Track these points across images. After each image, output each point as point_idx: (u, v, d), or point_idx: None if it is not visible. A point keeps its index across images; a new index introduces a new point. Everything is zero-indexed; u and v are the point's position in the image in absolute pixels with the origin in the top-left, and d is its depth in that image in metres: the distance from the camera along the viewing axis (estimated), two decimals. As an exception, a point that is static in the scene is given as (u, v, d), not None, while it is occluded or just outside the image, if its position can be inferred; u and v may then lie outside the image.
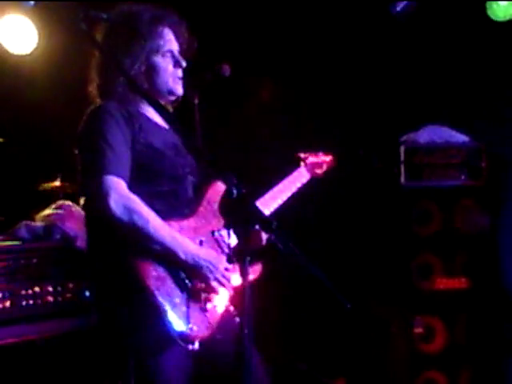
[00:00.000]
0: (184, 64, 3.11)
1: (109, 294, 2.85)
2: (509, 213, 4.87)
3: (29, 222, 4.09)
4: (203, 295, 2.91)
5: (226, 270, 2.95)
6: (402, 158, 4.95)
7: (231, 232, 3.06)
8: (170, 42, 3.10)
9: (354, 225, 5.42)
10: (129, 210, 2.75)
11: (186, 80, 3.15)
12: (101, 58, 3.04)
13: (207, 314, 2.90)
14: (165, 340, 2.76)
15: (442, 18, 5.22)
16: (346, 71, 5.46)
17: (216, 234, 3.05)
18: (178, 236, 2.85)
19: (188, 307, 2.82)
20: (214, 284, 2.91)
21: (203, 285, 2.91)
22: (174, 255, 2.81)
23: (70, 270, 3.99)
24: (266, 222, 2.47)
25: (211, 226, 3.06)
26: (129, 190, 2.82)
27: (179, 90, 3.13)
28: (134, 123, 2.93)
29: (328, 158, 3.93)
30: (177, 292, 2.82)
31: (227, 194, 2.42)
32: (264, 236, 3.18)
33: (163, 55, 3.08)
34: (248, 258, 2.39)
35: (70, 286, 3.98)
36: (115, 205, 2.74)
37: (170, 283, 2.81)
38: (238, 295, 2.92)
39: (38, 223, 4.13)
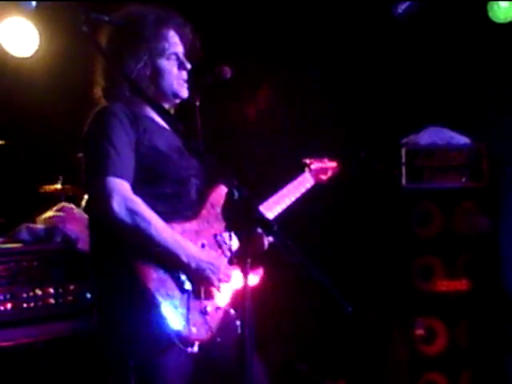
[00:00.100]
0: (189, 66, 3.11)
1: (109, 296, 2.84)
2: (509, 215, 4.87)
3: (30, 225, 4.10)
4: (204, 298, 2.92)
5: (228, 269, 2.96)
6: (403, 159, 4.95)
7: (233, 235, 3.06)
8: (175, 44, 3.09)
9: (354, 227, 5.42)
10: (131, 211, 2.75)
11: (187, 82, 3.15)
12: (105, 60, 3.05)
13: (207, 317, 2.90)
14: (164, 342, 2.76)
15: (443, 19, 5.22)
16: (347, 73, 5.46)
17: (219, 237, 3.05)
18: (180, 239, 2.85)
19: (188, 310, 2.82)
20: (218, 284, 2.91)
21: (206, 286, 2.91)
22: (175, 258, 2.81)
23: (71, 272, 4.00)
24: (267, 224, 2.47)
25: (214, 230, 3.06)
26: (132, 191, 2.82)
27: (184, 92, 3.12)
28: (139, 125, 2.92)
29: (333, 164, 3.93)
30: (177, 294, 2.82)
31: (228, 195, 2.42)
32: (266, 240, 3.19)
33: (168, 58, 3.07)
34: (249, 260, 2.39)
35: (71, 288, 3.99)
36: (118, 206, 2.74)
37: (170, 285, 2.81)
38: (239, 298, 2.94)
39: (40, 225, 4.13)
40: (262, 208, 3.31)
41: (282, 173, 3.66)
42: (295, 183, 3.63)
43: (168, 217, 2.87)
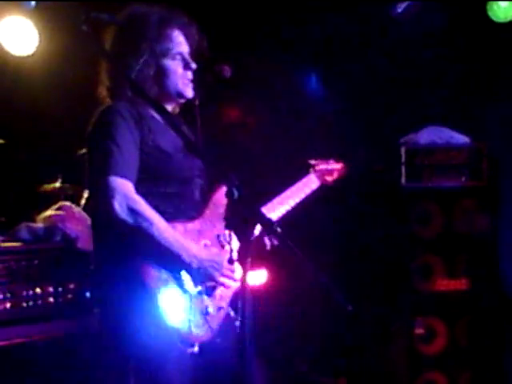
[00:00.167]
0: (194, 66, 3.10)
1: (111, 295, 2.84)
2: (509, 214, 4.87)
3: (29, 224, 4.10)
4: (205, 298, 2.91)
5: (231, 266, 2.96)
6: (403, 158, 4.94)
7: (233, 234, 3.06)
8: (180, 44, 3.09)
9: (354, 226, 5.42)
10: (133, 211, 2.75)
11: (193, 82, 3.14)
12: (107, 59, 3.04)
13: (208, 318, 2.90)
14: (165, 342, 2.76)
15: (442, 18, 5.22)
16: (346, 73, 5.46)
17: (221, 237, 3.05)
18: (181, 238, 2.85)
19: (189, 310, 2.82)
20: (223, 280, 2.91)
21: (209, 285, 2.90)
22: (177, 257, 2.81)
23: (70, 271, 3.99)
24: (266, 223, 2.47)
25: (216, 230, 3.05)
26: (136, 190, 2.81)
27: (189, 92, 3.11)
28: (144, 125, 2.92)
29: (339, 166, 3.90)
30: (178, 294, 2.82)
31: (228, 195, 2.41)
32: (268, 242, 3.18)
33: (173, 58, 3.06)
34: (249, 260, 2.39)
35: (71, 286, 3.98)
36: (119, 206, 2.74)
37: (172, 285, 2.81)
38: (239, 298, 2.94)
39: (39, 224, 4.13)
40: (266, 209, 3.31)
41: (284, 173, 3.65)
42: (300, 184, 3.61)
43: (171, 216, 2.87)
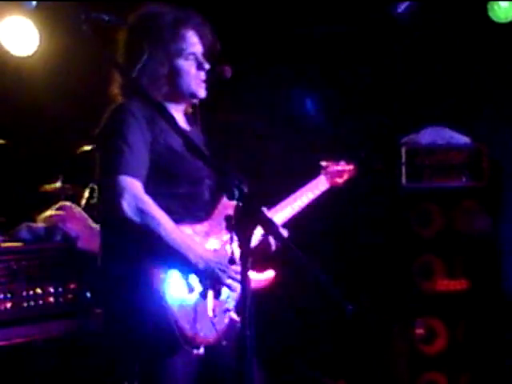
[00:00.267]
0: (207, 66, 3.09)
1: (117, 295, 2.84)
2: (510, 215, 4.87)
3: (30, 224, 4.10)
4: (211, 300, 2.91)
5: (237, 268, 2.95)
6: (403, 159, 4.94)
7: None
8: (194, 44, 3.08)
9: (354, 226, 5.41)
10: (141, 211, 2.74)
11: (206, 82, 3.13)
12: (123, 58, 3.03)
13: (214, 320, 2.89)
14: (171, 343, 2.76)
15: (443, 19, 5.22)
16: (346, 73, 5.46)
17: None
18: (189, 240, 2.84)
19: (195, 312, 2.81)
20: (229, 282, 2.90)
21: (215, 287, 2.90)
22: (184, 259, 2.80)
23: (71, 271, 4.00)
24: (268, 223, 2.47)
25: (224, 231, 3.01)
26: (145, 190, 2.81)
27: (202, 92, 3.10)
28: (156, 124, 2.91)
29: (349, 167, 3.87)
30: (185, 296, 2.81)
31: (229, 195, 2.41)
32: (274, 242, 3.18)
33: (186, 58, 3.05)
34: (250, 260, 2.39)
35: (72, 287, 3.99)
36: (128, 205, 2.73)
37: (178, 286, 2.80)
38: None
39: (40, 224, 4.14)
40: (274, 210, 3.30)
41: (285, 174, 3.64)
42: (309, 186, 3.58)
43: (180, 217, 2.87)
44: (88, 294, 4.04)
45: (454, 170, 4.95)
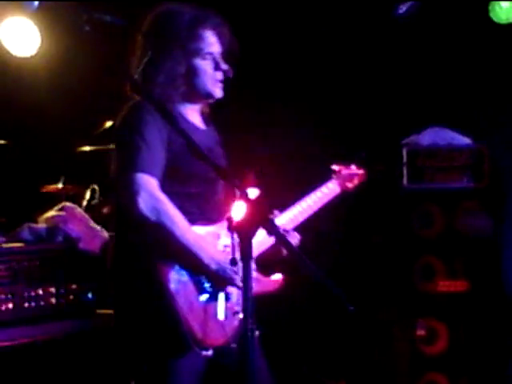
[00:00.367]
0: (225, 67, 3.09)
1: (128, 295, 2.84)
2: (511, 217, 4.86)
3: (32, 224, 4.10)
4: (222, 302, 2.90)
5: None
6: (405, 160, 4.94)
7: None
8: (211, 44, 3.07)
9: (355, 227, 5.41)
10: (157, 210, 2.75)
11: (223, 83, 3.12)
12: (140, 56, 3.03)
13: (224, 322, 2.88)
14: (180, 344, 2.75)
15: (444, 20, 5.22)
16: (348, 74, 5.46)
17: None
18: (202, 240, 2.84)
19: (205, 313, 2.81)
20: (240, 284, 2.89)
21: (227, 288, 2.89)
22: (197, 259, 2.80)
23: (72, 272, 4.00)
24: (269, 224, 2.47)
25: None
26: (160, 188, 2.80)
27: (218, 92, 3.10)
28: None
29: (360, 172, 3.81)
30: (196, 297, 2.81)
31: (231, 195, 2.41)
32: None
33: (203, 58, 3.05)
34: (251, 261, 2.39)
35: (73, 287, 3.98)
36: (144, 204, 2.73)
37: (190, 288, 2.80)
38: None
39: (41, 225, 4.14)
40: (284, 214, 3.27)
41: (304, 181, 3.59)
42: (320, 190, 3.52)
43: (193, 217, 2.86)
44: (89, 295, 4.04)
45: (455, 170, 4.95)
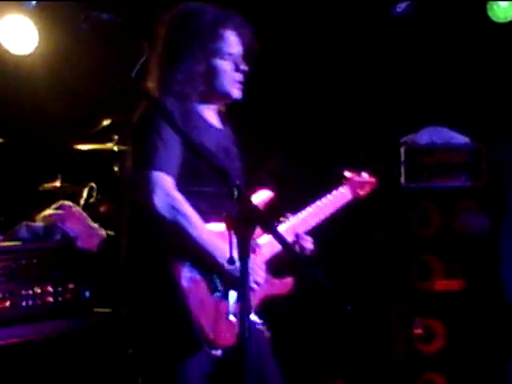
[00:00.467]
0: (245, 68, 3.07)
1: (140, 291, 2.84)
2: (510, 217, 4.86)
3: (29, 223, 4.10)
4: (233, 302, 2.88)
5: (262, 272, 2.93)
6: (402, 158, 4.94)
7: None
8: (232, 45, 3.06)
9: (353, 226, 5.41)
10: (173, 208, 2.75)
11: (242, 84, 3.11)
12: (160, 53, 3.03)
13: (234, 322, 2.86)
14: (191, 343, 2.75)
15: (442, 19, 5.22)
16: (345, 72, 5.46)
17: (252, 241, 3.00)
18: (216, 240, 2.82)
19: (217, 313, 2.80)
20: (253, 285, 2.87)
21: (238, 289, 2.88)
22: (211, 258, 2.78)
23: (70, 271, 3.99)
24: (266, 221, 2.47)
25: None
26: (176, 187, 2.80)
27: (236, 93, 3.08)
28: (189, 121, 2.91)
29: (372, 180, 3.77)
30: (208, 296, 2.81)
31: (228, 194, 2.41)
32: (298, 248, 3.15)
33: (223, 58, 3.04)
34: (249, 259, 2.39)
35: (70, 286, 3.98)
36: (159, 202, 2.73)
37: (202, 287, 2.79)
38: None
39: (39, 223, 4.13)
40: (296, 218, 3.24)
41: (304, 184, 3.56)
42: (332, 196, 3.47)
43: (207, 217, 2.85)
44: (87, 294, 4.03)
45: (452, 169, 4.95)
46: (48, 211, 4.26)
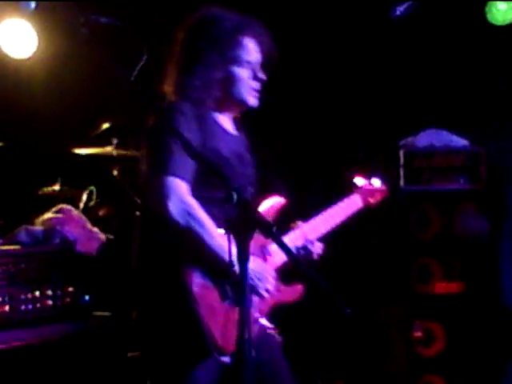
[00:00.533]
0: (262, 76, 3.07)
1: (151, 296, 2.84)
2: (509, 220, 4.86)
3: (28, 226, 4.10)
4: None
5: (273, 280, 2.93)
6: (402, 161, 4.94)
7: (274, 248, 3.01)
8: (251, 52, 3.05)
9: (353, 228, 5.40)
10: (187, 214, 2.73)
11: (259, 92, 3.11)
12: (178, 57, 3.03)
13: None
14: (201, 349, 2.74)
15: (441, 22, 5.23)
16: (345, 75, 5.46)
17: (264, 249, 3.00)
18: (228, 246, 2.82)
19: (227, 319, 2.79)
20: (263, 292, 2.88)
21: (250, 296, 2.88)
22: (223, 265, 2.74)
23: (69, 274, 3.99)
24: (265, 226, 2.47)
25: (261, 240, 2.97)
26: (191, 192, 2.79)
27: (252, 101, 3.07)
28: (205, 127, 2.90)
29: (382, 188, 3.78)
30: (218, 303, 2.80)
31: (227, 199, 2.41)
32: (315, 251, 3.16)
33: (242, 65, 3.02)
34: (248, 263, 2.39)
35: (70, 290, 3.98)
36: (174, 207, 2.72)
37: (213, 294, 2.78)
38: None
39: (38, 227, 4.13)
40: (307, 224, 3.24)
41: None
42: (343, 204, 3.46)
43: (219, 223, 2.84)
44: (86, 297, 4.03)
45: (451, 172, 4.95)
46: (47, 215, 4.26)
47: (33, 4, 4.61)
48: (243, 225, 2.40)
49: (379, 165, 5.02)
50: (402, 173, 4.92)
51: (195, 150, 2.60)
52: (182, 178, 2.78)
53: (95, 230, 4.35)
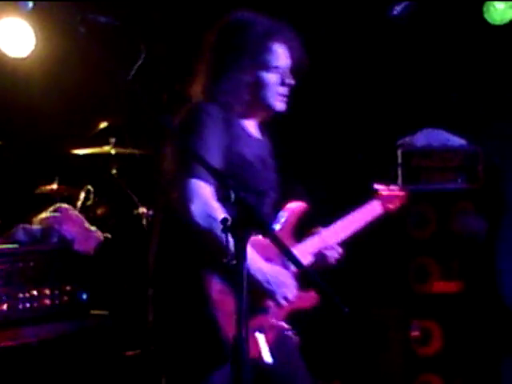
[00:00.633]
0: (291, 82, 3.06)
1: (169, 299, 2.83)
2: (507, 219, 4.87)
3: (26, 225, 4.10)
4: (261, 315, 2.87)
5: (292, 286, 2.92)
6: (399, 161, 4.94)
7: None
8: (280, 58, 3.04)
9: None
10: (210, 217, 2.71)
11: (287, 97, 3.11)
12: (208, 60, 3.02)
13: (258, 338, 2.84)
14: (218, 354, 2.72)
15: (439, 21, 5.23)
16: (343, 75, 5.46)
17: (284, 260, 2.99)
18: (250, 251, 2.79)
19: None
20: (281, 301, 2.87)
21: (267, 302, 2.88)
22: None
23: (67, 273, 4.00)
24: (264, 226, 2.47)
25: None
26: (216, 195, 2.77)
27: (279, 106, 3.06)
28: (231, 131, 2.89)
29: (402, 193, 3.76)
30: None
31: (225, 198, 2.41)
32: (331, 255, 3.17)
33: (270, 71, 3.01)
34: (246, 263, 2.39)
35: (67, 289, 3.99)
36: (197, 210, 2.70)
37: (231, 299, 2.77)
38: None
39: (36, 226, 4.14)
40: (327, 230, 3.23)
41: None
42: (363, 210, 3.44)
43: None
44: (84, 296, 4.04)
45: (449, 172, 4.95)
46: (45, 214, 4.26)
47: (30, 3, 4.60)
48: (241, 224, 2.40)
49: (377, 164, 5.03)
50: (399, 172, 4.92)
51: (193, 151, 2.59)
52: (207, 181, 2.75)
53: (93, 229, 4.35)
